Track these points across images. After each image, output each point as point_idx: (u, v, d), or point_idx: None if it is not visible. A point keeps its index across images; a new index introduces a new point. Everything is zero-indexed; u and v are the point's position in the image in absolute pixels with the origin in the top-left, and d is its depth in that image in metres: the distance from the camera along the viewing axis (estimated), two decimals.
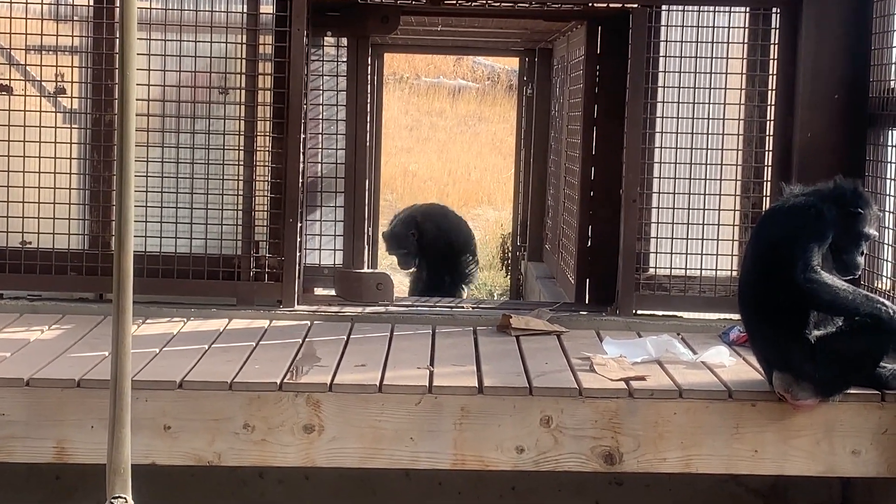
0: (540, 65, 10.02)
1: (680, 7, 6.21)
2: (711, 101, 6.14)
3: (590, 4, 6.65)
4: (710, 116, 6.14)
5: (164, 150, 6.08)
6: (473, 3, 6.60)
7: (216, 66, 6.11)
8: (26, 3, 6.04)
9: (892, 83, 5.68)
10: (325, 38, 6.57)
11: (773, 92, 6.13)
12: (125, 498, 3.19)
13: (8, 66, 6.12)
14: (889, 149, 5.66)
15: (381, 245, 10.19)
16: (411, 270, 9.99)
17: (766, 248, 4.67)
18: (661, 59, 6.19)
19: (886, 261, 5.58)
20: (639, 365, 5.13)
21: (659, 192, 6.20)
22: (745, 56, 6.19)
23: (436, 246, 9.76)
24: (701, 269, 6.17)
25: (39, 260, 6.04)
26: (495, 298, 12.61)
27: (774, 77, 6.12)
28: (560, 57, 9.11)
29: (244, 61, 6.11)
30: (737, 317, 5.46)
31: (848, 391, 4.72)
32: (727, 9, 6.17)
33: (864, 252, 4.78)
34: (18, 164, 6.04)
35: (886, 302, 4.61)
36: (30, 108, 6.06)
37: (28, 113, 6.05)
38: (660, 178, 6.20)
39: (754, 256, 4.75)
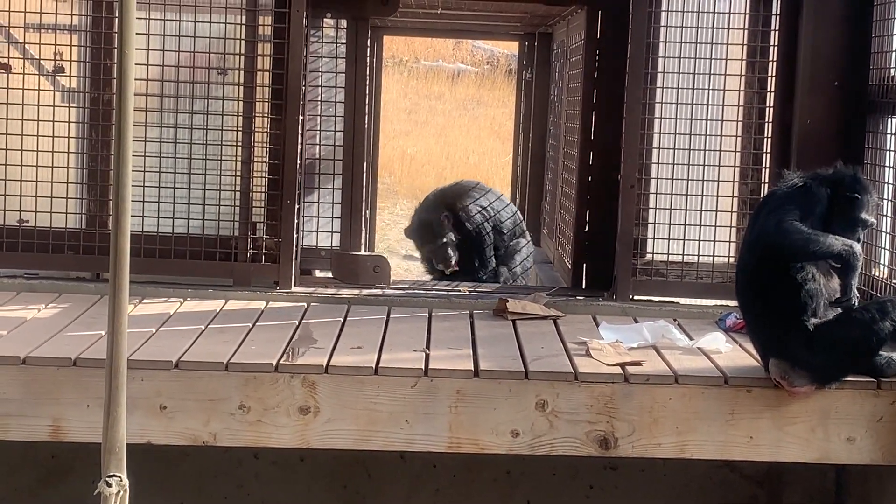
0: (539, 49, 10.00)
1: None
2: (711, 87, 6.13)
3: None
4: (710, 102, 6.13)
5: (163, 130, 6.07)
6: None
7: (215, 46, 6.10)
8: None
9: (891, 71, 5.66)
10: (325, 19, 6.55)
11: (773, 78, 6.12)
12: (120, 476, 3.19)
13: (7, 45, 6.10)
14: (888, 136, 5.65)
15: (402, 241, 8.54)
16: (451, 268, 8.10)
17: (762, 233, 4.67)
18: (662, 45, 6.17)
19: (884, 249, 5.57)
20: (635, 350, 5.12)
21: (657, 178, 6.19)
22: (745, 42, 6.17)
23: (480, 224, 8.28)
24: (698, 255, 6.16)
25: (36, 238, 6.03)
26: None
27: (774, 63, 6.11)
28: (560, 41, 9.09)
29: (243, 42, 6.10)
30: (734, 303, 5.46)
31: (844, 379, 4.72)
32: None
33: (861, 239, 4.76)
34: (16, 142, 6.03)
35: (852, 242, 4.57)
36: (28, 86, 6.04)
37: (26, 91, 6.03)
38: (658, 163, 6.18)
39: (751, 242, 4.75)
